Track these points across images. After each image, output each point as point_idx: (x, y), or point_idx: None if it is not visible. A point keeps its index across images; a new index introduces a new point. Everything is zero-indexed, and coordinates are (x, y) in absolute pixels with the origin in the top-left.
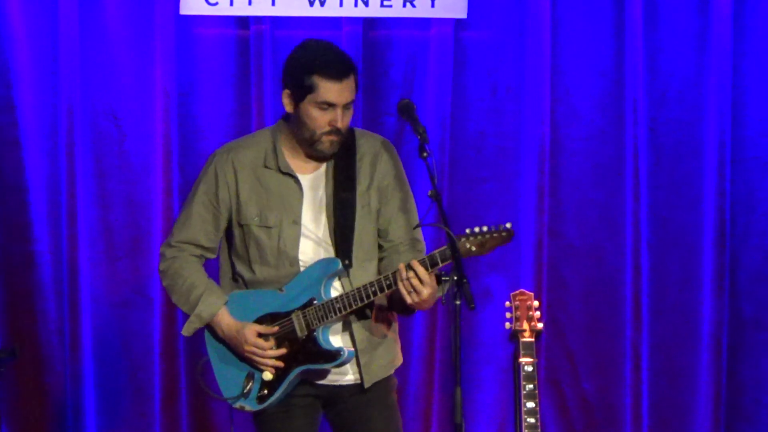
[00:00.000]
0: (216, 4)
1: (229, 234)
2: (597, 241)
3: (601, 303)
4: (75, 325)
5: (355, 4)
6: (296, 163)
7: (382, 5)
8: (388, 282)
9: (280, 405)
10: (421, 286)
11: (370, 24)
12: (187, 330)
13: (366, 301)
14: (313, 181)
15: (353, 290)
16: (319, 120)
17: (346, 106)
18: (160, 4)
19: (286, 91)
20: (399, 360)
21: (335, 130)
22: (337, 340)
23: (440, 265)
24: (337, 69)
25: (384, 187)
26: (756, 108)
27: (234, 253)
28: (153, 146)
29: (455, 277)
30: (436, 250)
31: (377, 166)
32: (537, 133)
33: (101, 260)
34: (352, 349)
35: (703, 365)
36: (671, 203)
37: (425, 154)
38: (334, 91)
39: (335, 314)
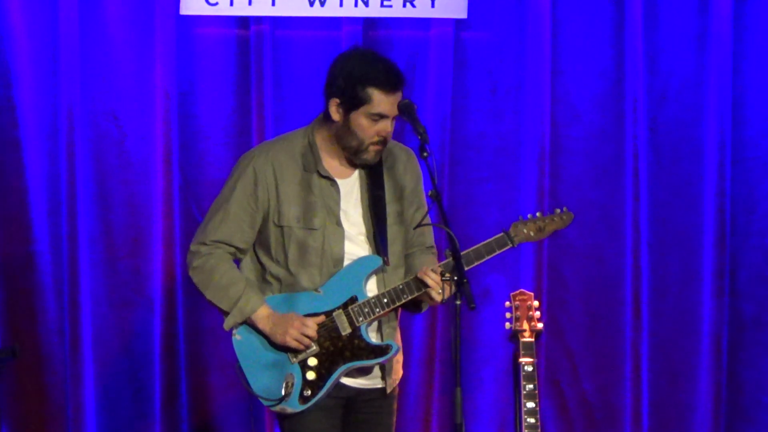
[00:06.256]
0: (216, 4)
1: (258, 237)
2: (597, 241)
3: (601, 303)
4: (75, 325)
5: (355, 4)
6: (333, 165)
7: (382, 5)
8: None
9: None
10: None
11: (370, 24)
12: (228, 324)
13: (416, 293)
14: (349, 185)
15: (401, 284)
16: (369, 130)
17: (394, 117)
18: (160, 4)
19: (335, 101)
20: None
21: (382, 140)
22: (376, 337)
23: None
24: (393, 81)
25: (410, 195)
26: (756, 108)
27: (267, 255)
28: (153, 146)
29: (455, 277)
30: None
31: (405, 174)
32: (537, 133)
33: (101, 260)
34: (398, 345)
35: (703, 365)
36: (671, 203)
37: (425, 154)
38: (388, 102)
39: (382, 309)
